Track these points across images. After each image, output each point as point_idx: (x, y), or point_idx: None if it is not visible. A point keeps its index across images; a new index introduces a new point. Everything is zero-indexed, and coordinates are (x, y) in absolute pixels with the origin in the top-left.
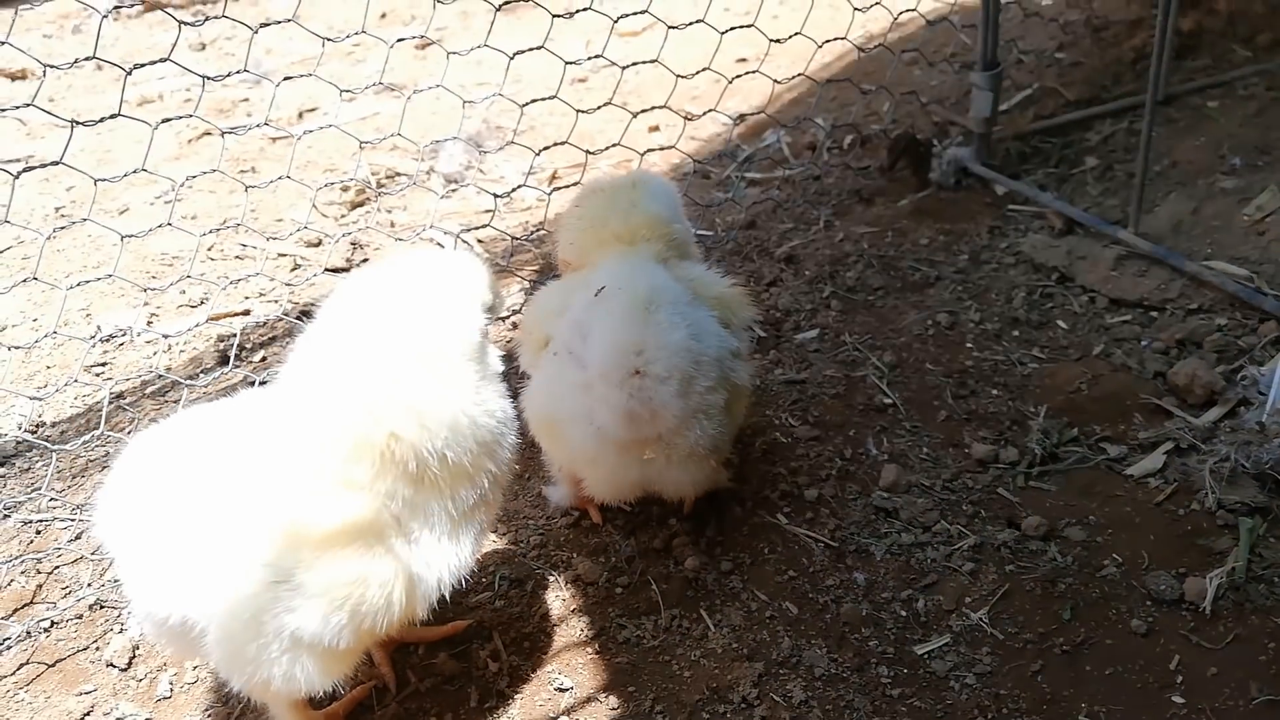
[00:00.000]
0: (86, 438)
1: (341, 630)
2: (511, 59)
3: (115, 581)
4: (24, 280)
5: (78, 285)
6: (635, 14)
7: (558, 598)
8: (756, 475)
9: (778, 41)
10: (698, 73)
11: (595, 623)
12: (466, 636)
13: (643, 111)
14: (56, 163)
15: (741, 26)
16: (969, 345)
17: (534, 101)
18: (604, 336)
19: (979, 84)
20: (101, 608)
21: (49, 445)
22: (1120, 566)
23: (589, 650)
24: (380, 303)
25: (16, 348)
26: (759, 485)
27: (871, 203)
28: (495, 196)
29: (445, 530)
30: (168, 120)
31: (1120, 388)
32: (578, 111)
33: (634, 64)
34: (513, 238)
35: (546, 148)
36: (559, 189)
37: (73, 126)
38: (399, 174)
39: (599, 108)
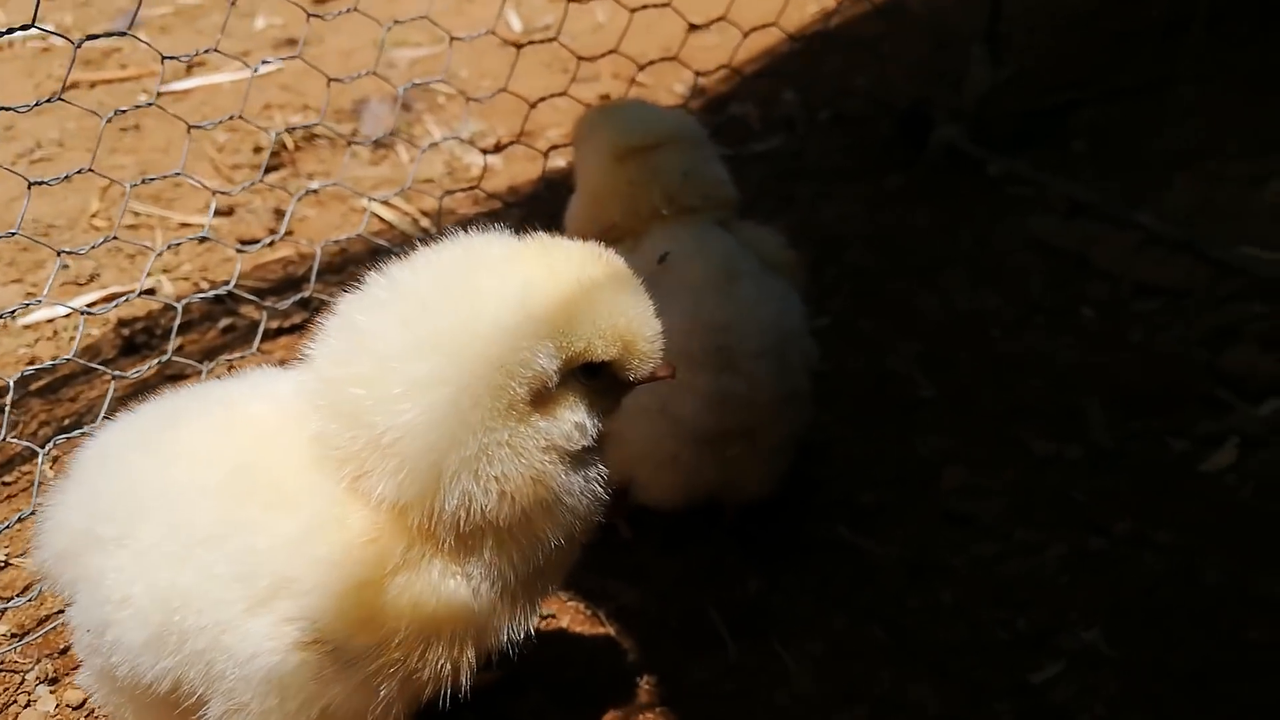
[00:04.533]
0: None
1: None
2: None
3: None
4: None
5: None
6: None
7: (600, 634)
8: (801, 480)
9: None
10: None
11: (652, 664)
12: (497, 690)
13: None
14: None
15: None
16: (995, 334)
17: (482, 34)
18: (681, 312)
19: (979, 56)
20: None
21: None
22: (1223, 572)
23: (650, 700)
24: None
25: None
26: (806, 491)
27: (858, 181)
28: (471, 147)
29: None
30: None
31: (1170, 378)
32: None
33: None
34: (492, 198)
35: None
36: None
37: None
38: (315, 135)
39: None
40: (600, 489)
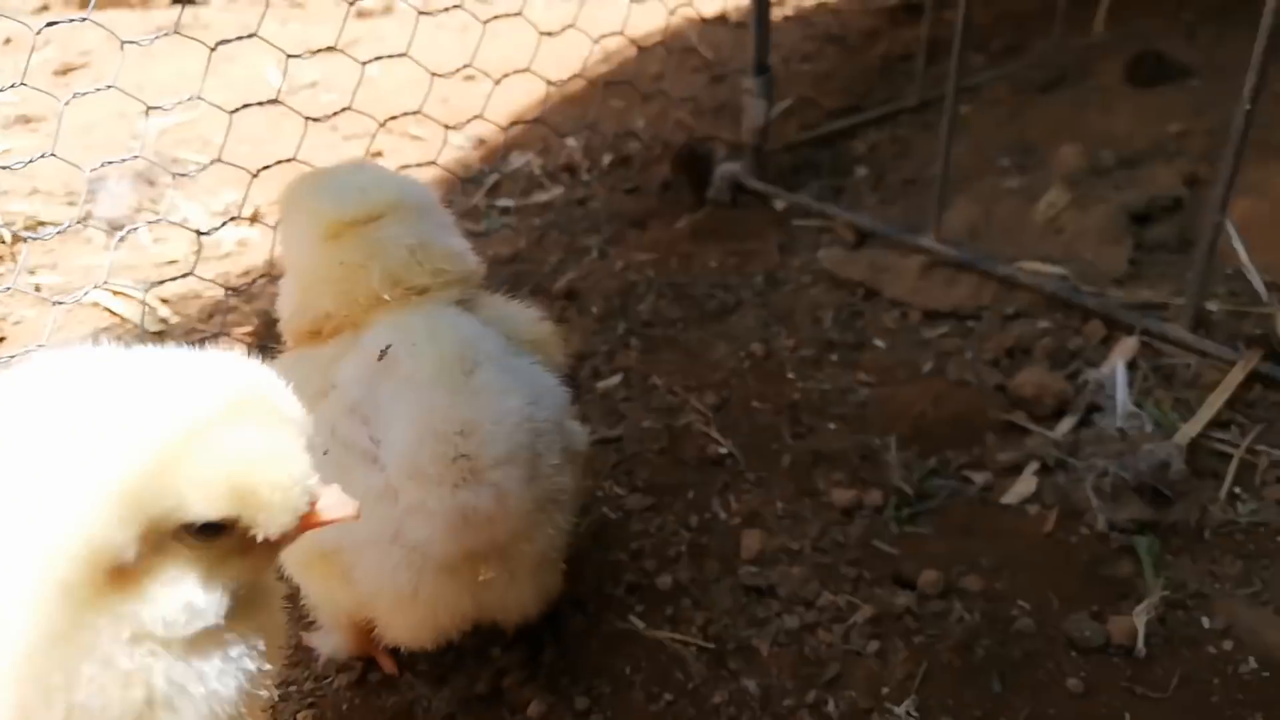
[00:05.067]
0: None
1: None
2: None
3: None
4: None
5: None
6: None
7: None
8: (592, 567)
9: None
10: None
11: None
12: None
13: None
14: None
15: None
16: (791, 375)
17: (241, 108)
18: (408, 418)
19: (751, 89)
20: None
21: None
22: (1032, 616)
23: None
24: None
25: None
26: (598, 580)
27: (646, 226)
28: (199, 234)
29: None
30: None
31: (965, 407)
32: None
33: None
34: (228, 290)
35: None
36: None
37: None
38: (42, 223)
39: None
40: (254, 665)
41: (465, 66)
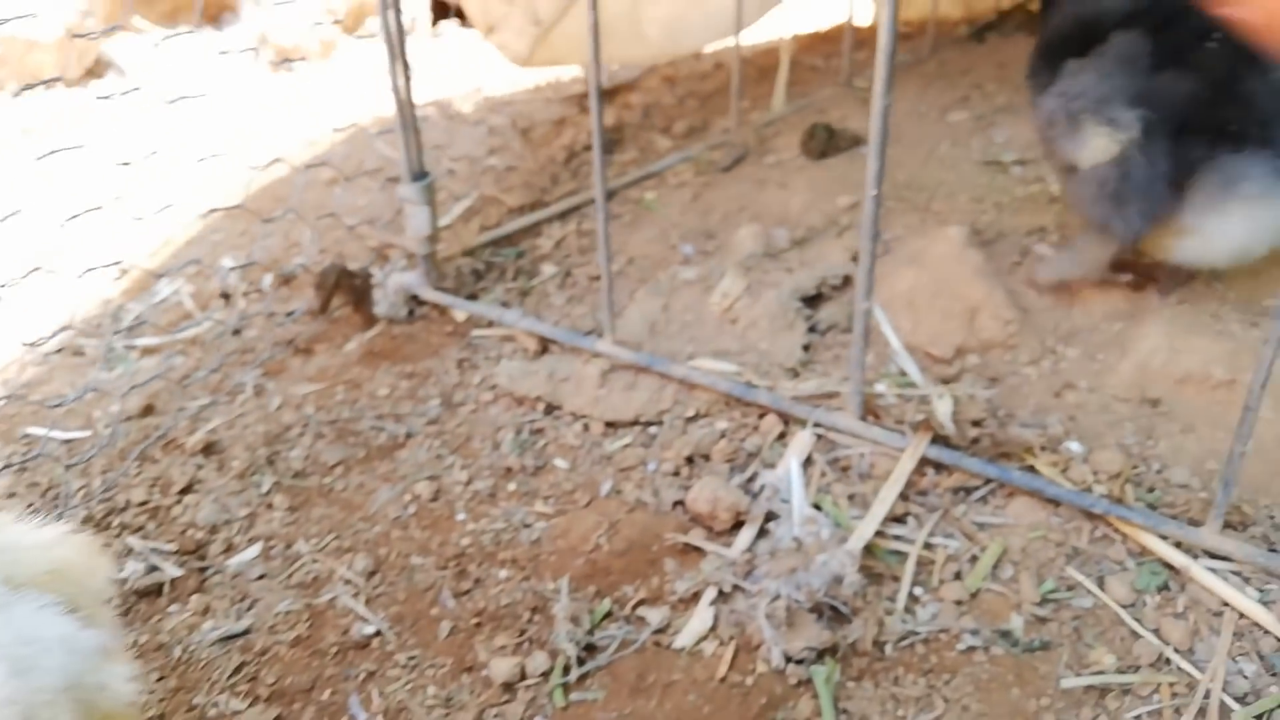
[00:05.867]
0: None
1: None
2: None
3: None
4: None
5: None
6: None
7: None
8: None
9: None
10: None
11: None
12: None
13: None
14: None
15: None
16: (461, 516)
17: None
18: None
19: (409, 198)
20: None
21: None
22: None
23: None
24: None
25: None
26: None
27: (311, 353)
28: None
29: None
30: None
31: (641, 531)
32: None
33: None
34: None
35: None
36: None
37: None
38: None
39: None
40: None
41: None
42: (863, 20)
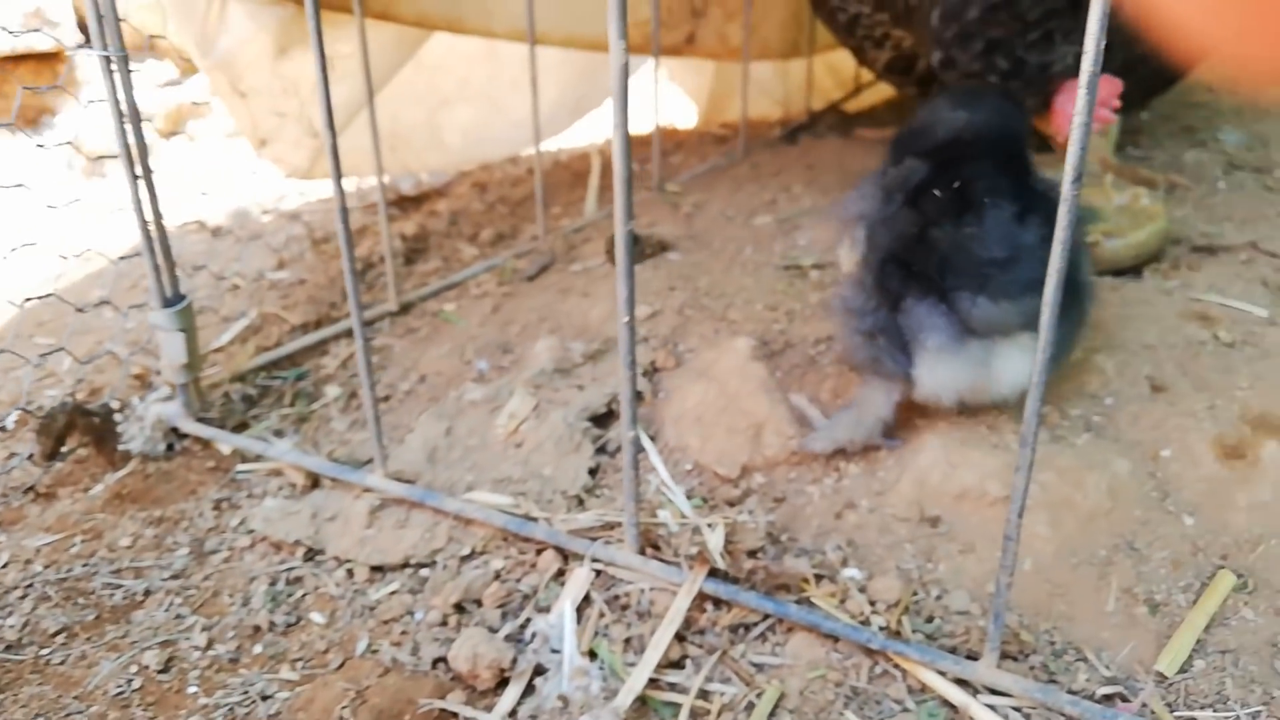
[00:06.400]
0: None
1: None
2: None
3: None
4: None
5: None
6: None
7: None
8: None
9: None
10: None
11: None
12: None
13: None
14: None
15: None
16: (193, 690)
17: None
18: None
19: (161, 325)
20: None
21: None
22: None
23: None
24: None
25: None
26: None
27: (53, 498)
28: None
29: None
30: None
31: (392, 699)
32: None
33: None
34: None
35: None
36: None
37: None
38: None
39: None
40: None
41: None
42: (687, 123)
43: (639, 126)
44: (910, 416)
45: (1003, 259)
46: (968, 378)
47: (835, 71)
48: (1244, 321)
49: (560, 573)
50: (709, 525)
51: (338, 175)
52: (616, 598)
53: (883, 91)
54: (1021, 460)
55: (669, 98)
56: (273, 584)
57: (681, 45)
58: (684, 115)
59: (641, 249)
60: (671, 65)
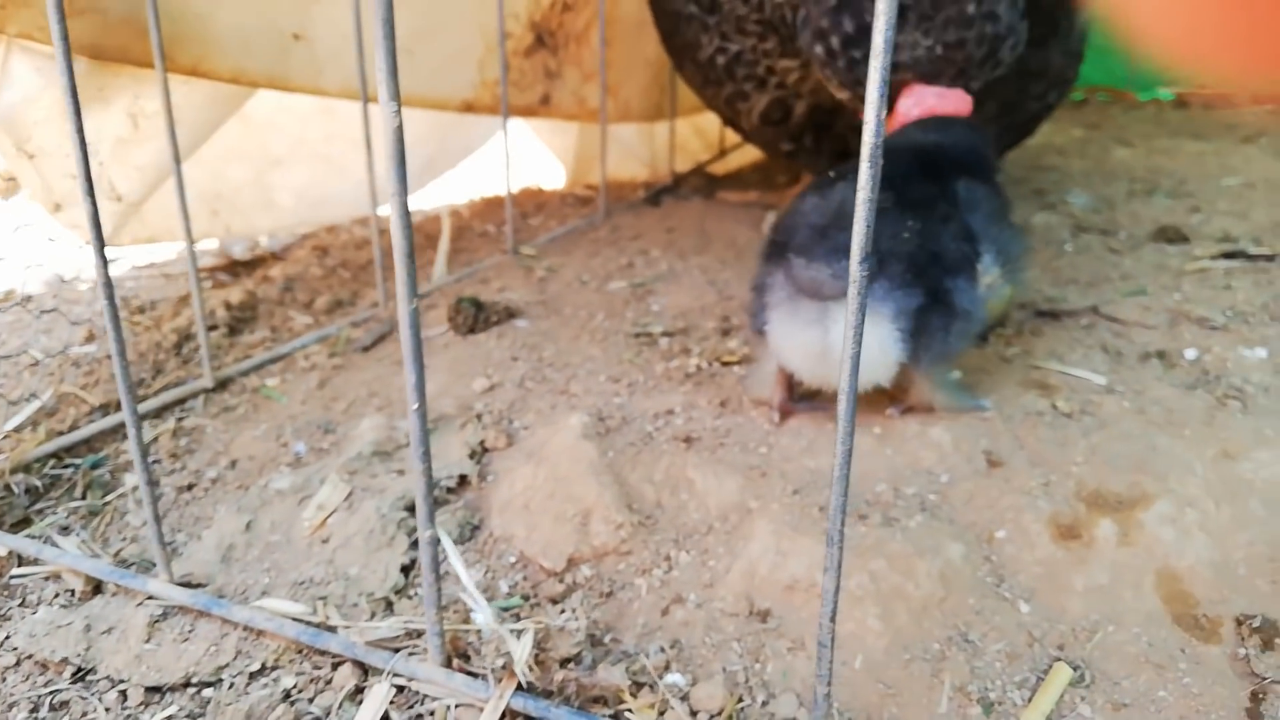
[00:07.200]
0: None
1: None
2: None
3: None
4: None
5: None
6: None
7: None
8: None
9: None
10: None
11: None
12: None
13: None
14: None
15: None
16: None
17: None
18: None
19: None
20: None
21: None
22: None
23: None
24: None
25: None
26: None
27: None
28: None
29: None
30: None
31: None
32: None
33: None
34: None
35: None
36: None
37: None
38: None
39: None
40: None
41: None
42: (554, 184)
43: (501, 187)
44: (745, 500)
45: (823, 225)
46: (802, 338)
47: (702, 134)
48: (1082, 390)
49: (359, 689)
50: (515, 634)
51: (100, 244)
52: (419, 717)
53: (749, 154)
54: (829, 561)
55: (537, 158)
56: (34, 711)
57: (536, 106)
58: (551, 176)
59: (487, 316)
60: (537, 125)
